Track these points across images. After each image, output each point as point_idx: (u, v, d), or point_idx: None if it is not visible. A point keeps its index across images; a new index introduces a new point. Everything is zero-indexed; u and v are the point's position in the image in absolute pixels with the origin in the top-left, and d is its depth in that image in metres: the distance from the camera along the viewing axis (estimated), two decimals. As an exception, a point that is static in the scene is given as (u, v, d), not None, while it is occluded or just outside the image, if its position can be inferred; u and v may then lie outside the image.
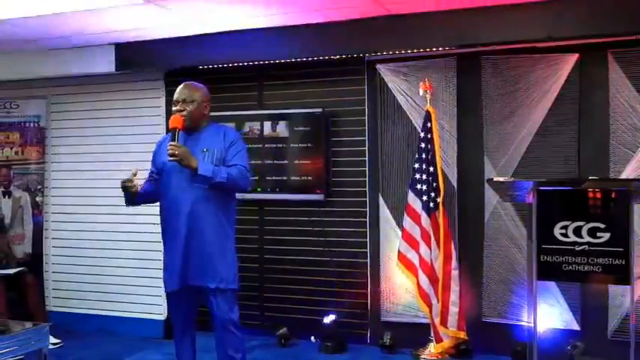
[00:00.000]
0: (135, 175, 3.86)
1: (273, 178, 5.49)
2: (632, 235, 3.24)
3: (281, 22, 5.05)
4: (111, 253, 6.06)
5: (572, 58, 4.78)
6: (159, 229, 5.85)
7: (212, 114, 5.62)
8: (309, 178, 5.38)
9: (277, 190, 5.49)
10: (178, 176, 3.79)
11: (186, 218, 3.80)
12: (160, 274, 5.88)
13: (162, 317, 5.88)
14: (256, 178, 5.50)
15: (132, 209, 5.91)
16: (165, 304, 5.88)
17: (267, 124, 5.50)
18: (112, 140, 6.05)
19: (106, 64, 5.76)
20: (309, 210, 5.50)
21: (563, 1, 4.48)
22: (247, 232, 5.70)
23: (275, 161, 5.48)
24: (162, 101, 5.92)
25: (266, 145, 5.51)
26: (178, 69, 5.70)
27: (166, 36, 5.42)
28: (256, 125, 5.53)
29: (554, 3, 4.49)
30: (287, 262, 5.59)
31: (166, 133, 4.39)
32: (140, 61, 5.72)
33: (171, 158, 3.64)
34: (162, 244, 4.02)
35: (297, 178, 5.43)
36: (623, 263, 3.20)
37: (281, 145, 5.47)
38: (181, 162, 3.64)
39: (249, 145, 5.45)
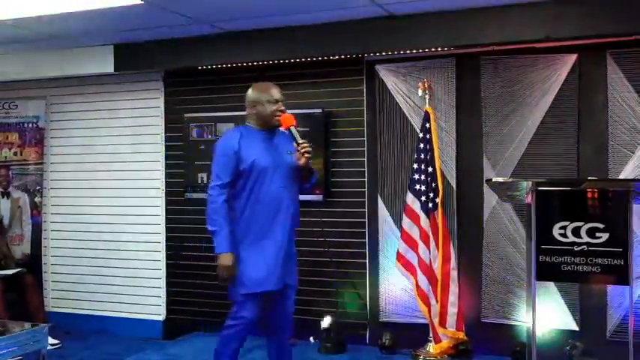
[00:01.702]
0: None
1: (273, 178, 5.48)
2: (631, 236, 3.24)
3: (280, 22, 5.05)
4: (110, 254, 6.07)
5: (571, 59, 4.78)
6: (158, 229, 5.89)
7: (211, 114, 5.71)
8: (308, 178, 5.36)
9: (276, 190, 5.47)
10: (273, 175, 3.81)
11: (287, 217, 3.89)
12: (160, 274, 5.92)
13: (162, 318, 5.89)
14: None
15: (131, 210, 5.95)
16: (164, 305, 5.90)
17: (266, 125, 5.49)
18: (111, 141, 6.06)
19: (104, 65, 5.77)
20: (308, 210, 5.47)
21: (561, 1, 4.48)
22: (246, 233, 5.70)
23: (274, 161, 5.47)
24: (161, 102, 5.92)
25: (265, 146, 5.49)
26: (177, 69, 5.71)
27: (165, 36, 5.43)
28: (255, 126, 5.52)
29: (552, 3, 4.50)
30: (286, 262, 5.59)
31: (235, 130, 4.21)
32: (139, 61, 5.73)
33: (308, 156, 3.73)
34: (243, 244, 3.84)
35: (297, 178, 5.42)
36: (622, 263, 3.20)
37: (280, 146, 5.45)
38: (309, 160, 3.76)
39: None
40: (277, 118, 3.85)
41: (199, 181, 5.69)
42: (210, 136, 5.66)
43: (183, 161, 5.80)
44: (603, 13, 4.44)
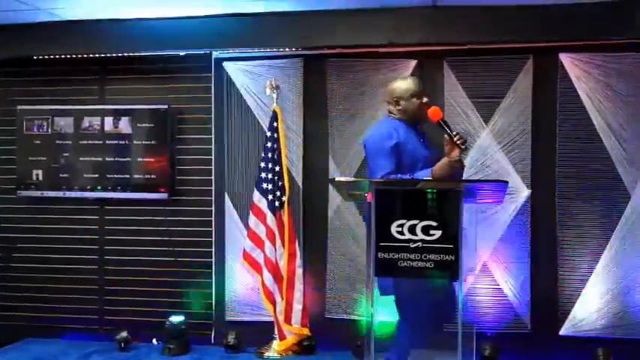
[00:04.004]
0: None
1: (115, 176, 5.29)
2: (461, 233, 3.43)
3: (124, 15, 4.88)
4: None
5: (412, 64, 5.00)
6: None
7: (48, 107, 5.38)
8: (152, 176, 5.23)
9: (119, 188, 5.29)
10: (423, 168, 3.73)
11: None
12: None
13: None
14: (96, 176, 5.28)
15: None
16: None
17: (109, 120, 5.28)
18: None
19: None
20: (152, 209, 5.36)
21: (403, 9, 4.69)
22: (86, 233, 5.45)
23: (116, 158, 5.28)
24: (-7, 93, 5.52)
25: (107, 142, 5.29)
26: (10, 59, 5.33)
27: (-3, 22, 5.07)
28: (96, 120, 5.29)
29: (395, 10, 4.70)
30: (129, 263, 5.41)
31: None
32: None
33: (463, 147, 3.62)
34: None
35: (140, 176, 5.26)
36: (453, 259, 3.37)
37: (123, 142, 5.27)
38: (463, 152, 3.68)
39: (89, 142, 5.28)
40: (424, 112, 3.77)
41: (34, 178, 5.36)
42: (46, 131, 5.34)
43: (16, 157, 5.42)
44: (441, 23, 4.72)
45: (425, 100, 3.86)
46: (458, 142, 3.62)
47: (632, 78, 4.74)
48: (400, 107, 3.90)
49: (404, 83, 3.92)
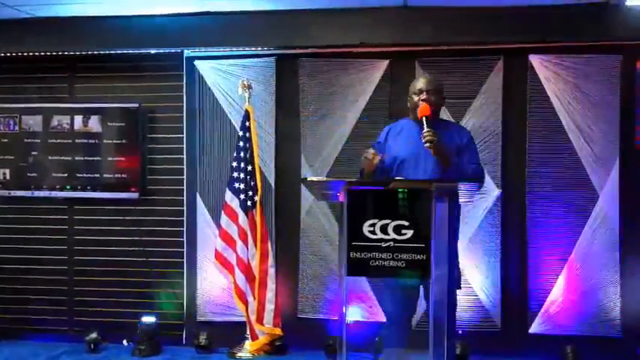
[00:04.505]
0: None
1: (85, 175, 5.23)
2: (432, 232, 3.45)
3: (94, 12, 4.82)
4: None
5: (383, 65, 5.02)
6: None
7: (14, 106, 5.32)
8: (123, 175, 5.19)
9: (89, 188, 5.23)
10: (416, 167, 3.74)
11: None
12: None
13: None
14: (65, 175, 5.22)
15: None
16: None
17: (78, 118, 5.22)
18: None
19: None
20: (123, 209, 5.30)
21: (374, 9, 4.71)
22: (55, 233, 5.38)
23: (86, 158, 5.22)
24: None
25: (77, 141, 5.23)
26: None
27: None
28: (66, 119, 5.23)
29: (366, 11, 4.71)
30: (99, 263, 5.35)
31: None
32: None
33: (428, 145, 3.56)
34: None
35: (111, 175, 5.21)
36: (424, 258, 3.39)
37: (93, 141, 5.21)
38: (436, 148, 3.58)
39: (58, 141, 5.21)
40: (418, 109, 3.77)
41: (1, 177, 5.31)
42: (14, 129, 5.26)
43: (-17, 155, 5.34)
44: (412, 24, 4.74)
45: (423, 97, 3.83)
46: (422, 140, 3.64)
47: (601, 80, 4.81)
48: (409, 105, 3.98)
49: (413, 82, 3.98)
